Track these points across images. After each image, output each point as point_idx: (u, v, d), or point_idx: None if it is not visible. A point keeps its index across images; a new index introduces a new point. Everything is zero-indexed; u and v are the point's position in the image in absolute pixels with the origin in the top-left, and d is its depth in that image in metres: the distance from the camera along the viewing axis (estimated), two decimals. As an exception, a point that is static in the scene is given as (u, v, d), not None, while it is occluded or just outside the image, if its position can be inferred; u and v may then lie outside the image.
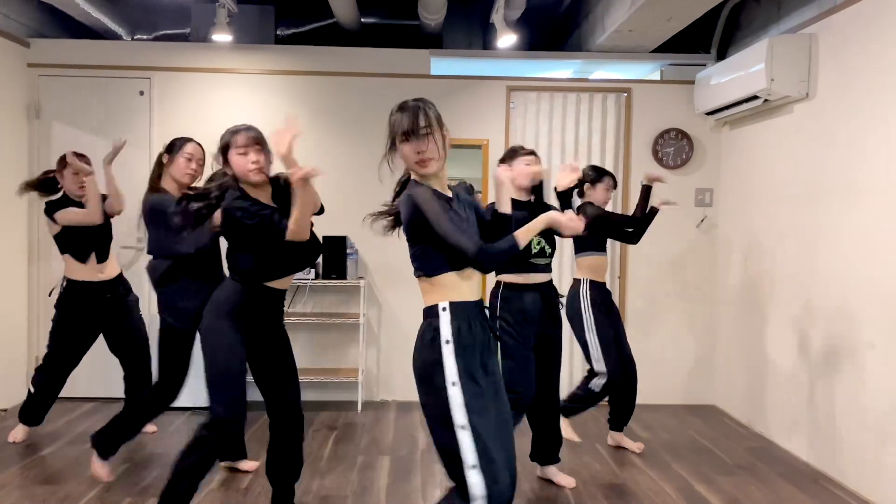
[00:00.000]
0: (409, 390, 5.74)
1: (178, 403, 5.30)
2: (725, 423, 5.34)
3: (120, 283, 4.53)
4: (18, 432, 4.64)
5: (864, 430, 3.96)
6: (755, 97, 4.81)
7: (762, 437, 4.98)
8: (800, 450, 4.57)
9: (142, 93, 5.64)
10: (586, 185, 4.52)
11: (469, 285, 2.50)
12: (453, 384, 2.38)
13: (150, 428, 4.84)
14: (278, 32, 6.25)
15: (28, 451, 4.43)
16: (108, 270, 4.50)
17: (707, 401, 5.86)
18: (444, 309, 2.45)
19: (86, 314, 4.43)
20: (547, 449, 4.03)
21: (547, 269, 3.92)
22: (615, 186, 4.63)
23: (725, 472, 4.30)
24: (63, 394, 5.50)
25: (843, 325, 4.16)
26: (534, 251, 3.82)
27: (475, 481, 2.32)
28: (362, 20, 6.14)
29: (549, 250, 3.88)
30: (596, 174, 4.52)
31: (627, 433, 4.78)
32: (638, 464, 4.42)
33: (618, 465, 4.38)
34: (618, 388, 4.54)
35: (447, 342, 2.42)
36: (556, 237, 3.90)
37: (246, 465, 4.20)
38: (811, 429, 4.45)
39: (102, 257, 4.48)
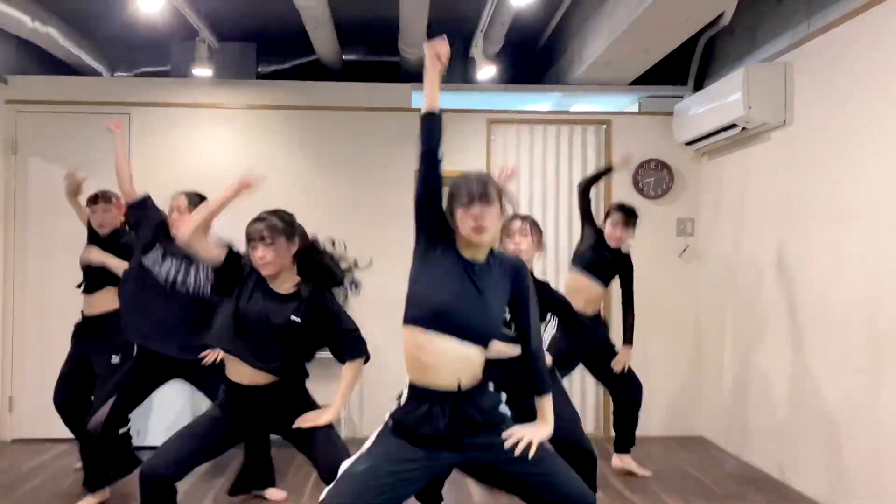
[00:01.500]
0: (392, 426, 5.65)
1: (152, 442, 5.24)
2: (713, 454, 5.28)
3: (101, 321, 4.41)
4: None
5: (856, 457, 3.91)
6: (733, 126, 4.86)
7: (751, 467, 4.91)
8: (791, 479, 4.51)
9: (121, 128, 5.59)
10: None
11: (444, 362, 2.36)
12: (378, 433, 2.47)
13: None
14: (259, 69, 6.28)
15: (1, 492, 4.29)
16: (97, 305, 4.43)
17: (694, 432, 5.80)
18: (405, 387, 2.45)
19: (74, 344, 4.48)
20: None
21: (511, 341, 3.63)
22: (626, 223, 4.52)
23: (716, 501, 4.24)
24: (36, 435, 5.42)
25: (830, 351, 4.14)
26: None
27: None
28: (343, 57, 6.18)
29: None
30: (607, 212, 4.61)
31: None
32: (625, 494, 4.34)
33: (604, 493, 4.29)
34: (623, 410, 4.61)
35: (389, 417, 2.47)
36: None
37: (273, 493, 4.18)
38: (802, 457, 4.40)
39: (89, 287, 4.43)
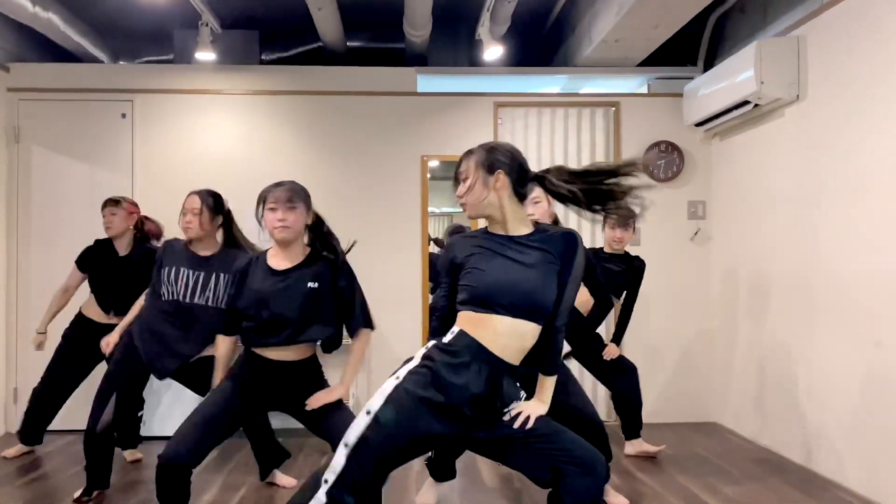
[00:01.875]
0: (401, 414, 5.57)
1: (163, 433, 5.19)
2: (729, 439, 5.18)
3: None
4: (12, 450, 4.72)
5: (878, 436, 3.82)
6: (745, 103, 4.77)
7: (768, 450, 4.82)
8: (809, 460, 4.41)
9: (124, 115, 5.54)
10: None
11: (496, 337, 2.34)
12: (396, 377, 2.35)
13: (136, 455, 4.65)
14: (263, 57, 6.20)
15: (6, 481, 4.22)
16: (114, 318, 4.42)
17: (708, 418, 5.70)
18: (452, 332, 2.40)
19: (84, 346, 4.44)
20: None
21: None
22: (624, 224, 4.43)
23: (733, 482, 4.14)
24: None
25: (847, 329, 4.05)
26: None
27: (339, 458, 2.29)
28: (348, 44, 6.11)
29: None
30: None
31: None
32: (641, 477, 4.26)
33: (620, 478, 4.20)
34: (621, 399, 4.58)
35: (426, 347, 2.42)
36: None
37: (283, 479, 4.15)
38: (819, 438, 4.30)
39: (120, 311, 4.34)
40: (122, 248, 4.44)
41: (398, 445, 2.29)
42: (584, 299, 4.35)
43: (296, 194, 3.00)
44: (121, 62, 6.23)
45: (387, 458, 2.30)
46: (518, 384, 2.49)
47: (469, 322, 2.37)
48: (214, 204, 3.62)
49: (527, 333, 2.36)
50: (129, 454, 4.65)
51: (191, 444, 2.90)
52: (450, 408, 2.30)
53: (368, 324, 3.12)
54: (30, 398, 4.67)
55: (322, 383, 3.15)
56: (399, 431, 2.27)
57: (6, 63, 5.49)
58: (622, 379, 4.54)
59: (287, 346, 3.01)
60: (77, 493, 3.83)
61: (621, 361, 4.52)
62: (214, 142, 5.62)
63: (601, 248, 4.58)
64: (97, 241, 4.50)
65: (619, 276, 4.53)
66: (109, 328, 4.32)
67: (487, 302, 2.34)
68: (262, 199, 3.02)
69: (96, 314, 4.49)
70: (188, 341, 3.63)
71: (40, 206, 5.47)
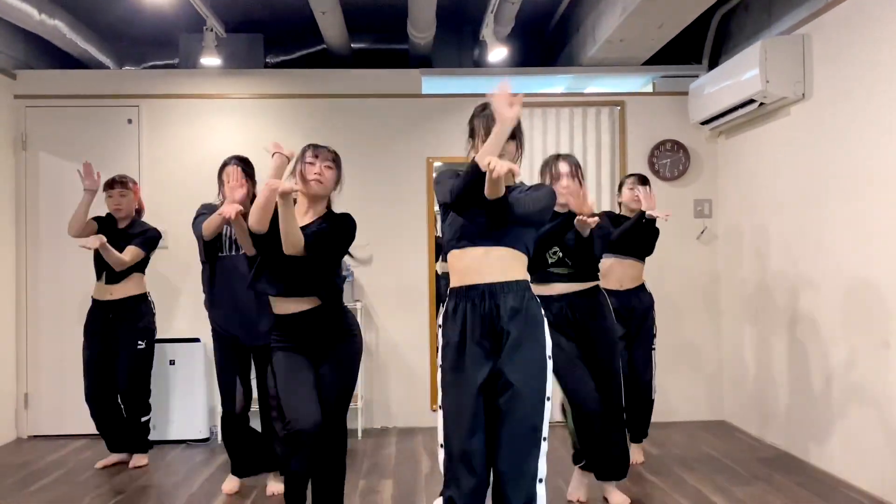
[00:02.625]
0: (410, 417, 5.60)
1: (171, 437, 5.23)
2: (737, 437, 5.18)
3: (124, 305, 4.53)
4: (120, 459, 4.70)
5: (887, 434, 3.81)
6: (751, 101, 4.76)
7: (776, 449, 4.82)
8: (818, 459, 4.41)
9: (130, 121, 5.56)
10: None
11: (471, 266, 2.64)
12: (439, 366, 2.70)
13: (142, 461, 4.66)
14: (267, 60, 6.22)
15: (17, 487, 4.25)
16: (118, 292, 4.53)
17: (717, 416, 5.70)
18: (447, 298, 2.74)
19: (91, 331, 4.55)
20: (608, 464, 3.79)
21: (571, 279, 3.67)
22: (642, 182, 4.41)
23: (742, 482, 4.14)
24: (52, 431, 5.39)
25: (854, 327, 4.04)
26: (551, 261, 3.66)
27: (441, 460, 2.59)
28: (352, 46, 6.11)
29: (569, 262, 3.66)
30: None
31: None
32: (650, 478, 4.26)
33: (629, 479, 4.20)
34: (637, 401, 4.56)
35: (439, 326, 2.76)
36: (576, 247, 3.58)
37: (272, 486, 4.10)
38: (828, 437, 4.30)
39: (111, 279, 4.51)
40: (122, 223, 4.58)
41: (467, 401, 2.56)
42: (626, 271, 4.51)
43: (336, 159, 3.21)
44: (126, 68, 6.25)
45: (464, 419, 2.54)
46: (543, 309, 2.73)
47: (452, 265, 2.70)
48: (251, 170, 3.92)
49: (504, 255, 2.65)
50: (136, 460, 4.66)
51: (311, 408, 2.99)
52: (467, 344, 2.59)
53: (307, 238, 3.01)
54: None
55: (344, 332, 3.15)
56: (458, 389, 2.59)
57: (13, 70, 5.52)
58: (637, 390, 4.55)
59: (289, 296, 3.08)
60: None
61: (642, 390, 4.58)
62: (220, 146, 5.59)
63: (621, 214, 4.53)
64: (104, 217, 4.59)
65: (634, 232, 4.36)
66: (109, 304, 4.51)
67: (463, 236, 2.68)
68: (303, 153, 3.14)
69: (98, 293, 4.57)
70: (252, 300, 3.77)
71: (48, 213, 5.49)
